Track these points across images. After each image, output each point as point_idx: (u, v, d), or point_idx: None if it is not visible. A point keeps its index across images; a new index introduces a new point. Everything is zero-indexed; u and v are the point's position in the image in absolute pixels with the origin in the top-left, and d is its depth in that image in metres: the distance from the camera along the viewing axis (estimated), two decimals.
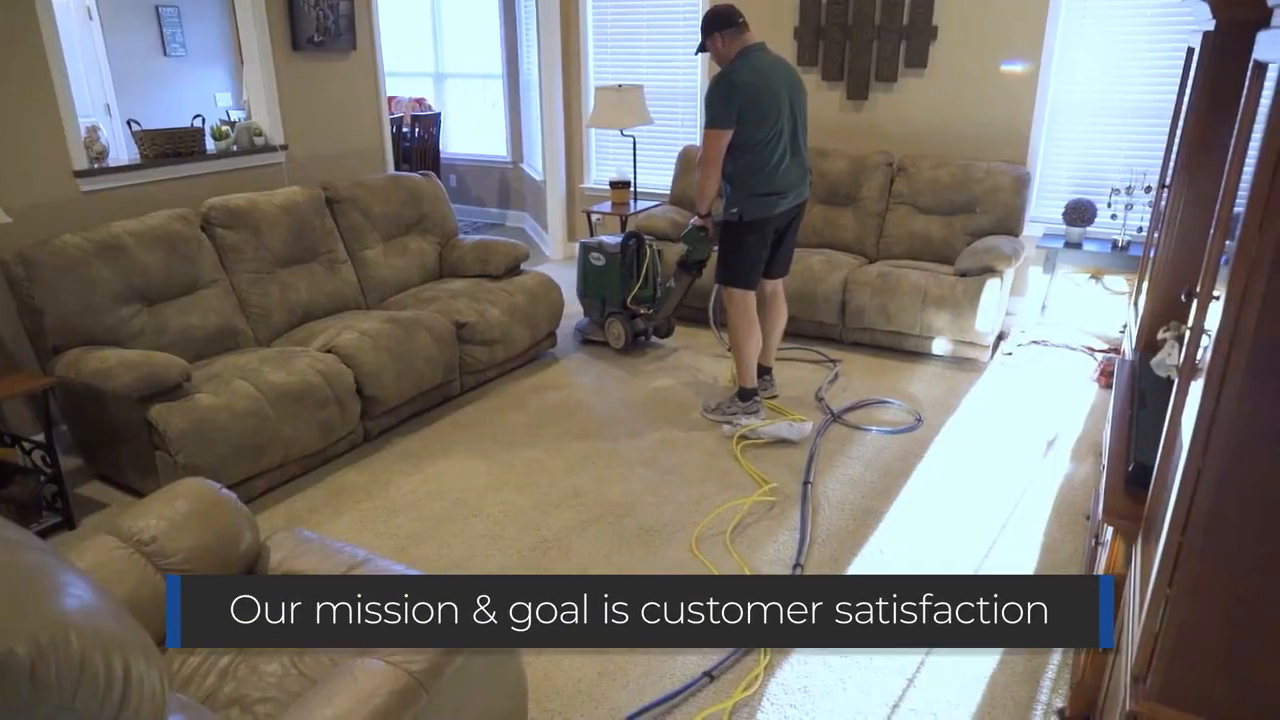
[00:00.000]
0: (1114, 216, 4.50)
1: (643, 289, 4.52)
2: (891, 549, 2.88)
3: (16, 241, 3.23)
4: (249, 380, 3.11)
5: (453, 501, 3.18)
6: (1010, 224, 4.62)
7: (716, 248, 3.77)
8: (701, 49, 3.56)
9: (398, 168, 5.88)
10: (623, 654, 2.38)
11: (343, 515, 3.10)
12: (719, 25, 3.45)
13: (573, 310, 5.19)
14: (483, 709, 1.74)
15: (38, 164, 3.34)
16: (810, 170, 3.73)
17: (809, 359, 4.51)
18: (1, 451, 3.03)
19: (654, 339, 4.74)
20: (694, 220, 3.81)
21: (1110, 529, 1.91)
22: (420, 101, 7.72)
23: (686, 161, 5.44)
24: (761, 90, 3.38)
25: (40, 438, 3.00)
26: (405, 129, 7.18)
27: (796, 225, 3.77)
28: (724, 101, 3.39)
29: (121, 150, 5.49)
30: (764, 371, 4.00)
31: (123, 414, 2.95)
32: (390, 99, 7.14)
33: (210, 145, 4.10)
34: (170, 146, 3.85)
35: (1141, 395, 2.25)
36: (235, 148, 4.14)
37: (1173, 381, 2.24)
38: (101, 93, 6.09)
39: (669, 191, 5.60)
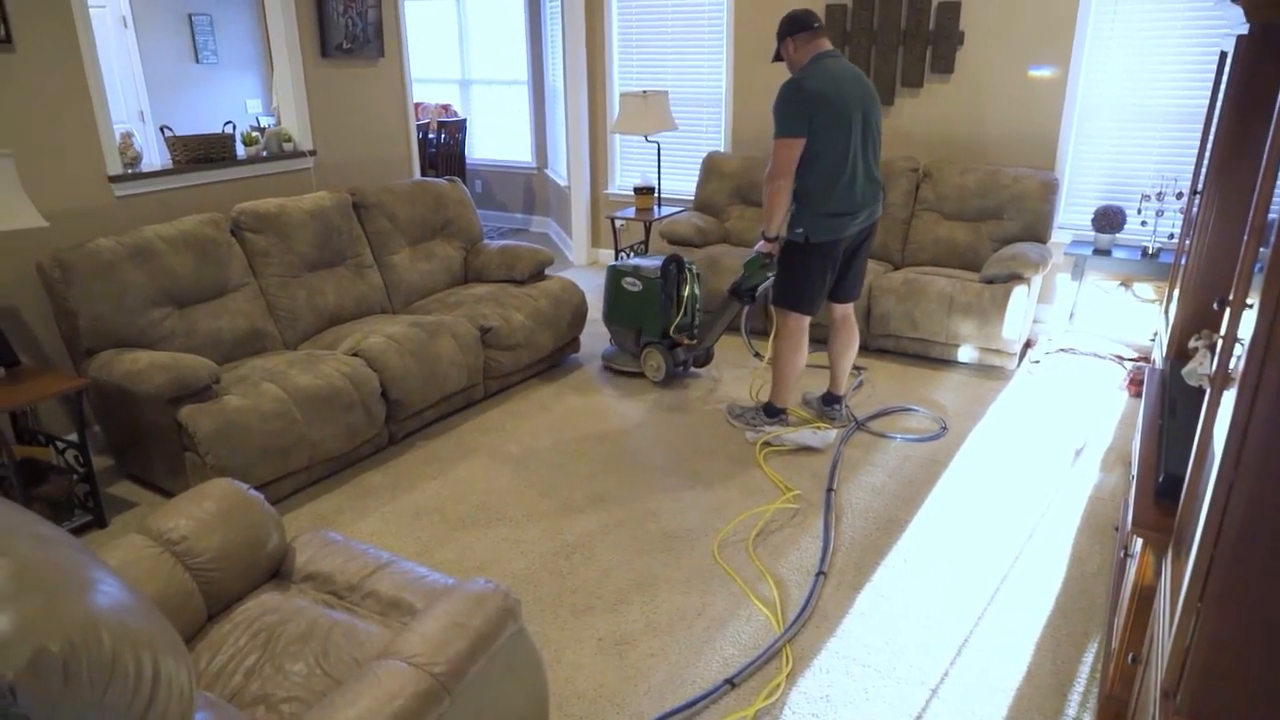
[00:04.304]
0: (1144, 223, 4.44)
1: (682, 317, 4.19)
2: (916, 558, 2.85)
3: (53, 245, 3.30)
4: (276, 383, 3.15)
5: (476, 505, 3.19)
6: (1038, 230, 4.57)
7: (772, 273, 3.57)
8: (777, 57, 3.37)
9: (424, 173, 5.93)
10: (645, 659, 2.38)
11: (367, 517, 3.12)
12: (792, 30, 3.25)
13: (596, 315, 5.20)
14: (504, 712, 1.74)
15: (74, 170, 3.40)
16: (883, 187, 3.47)
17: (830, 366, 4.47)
18: (36, 451, 3.09)
19: (692, 369, 4.42)
20: (760, 245, 3.48)
21: (1140, 541, 1.88)
22: (446, 108, 7.78)
23: (711, 168, 5.44)
24: (834, 98, 3.16)
25: (73, 437, 3.05)
26: (431, 135, 7.24)
27: (869, 245, 3.53)
28: (795, 108, 3.16)
29: (154, 156, 5.59)
30: (835, 399, 3.82)
31: (153, 415, 3.00)
32: (417, 105, 7.21)
33: (240, 151, 4.16)
34: (202, 152, 3.91)
35: (1172, 405, 2.22)
36: (265, 153, 4.20)
37: (1204, 391, 2.20)
38: (136, 99, 6.20)
39: (693, 197, 5.60)
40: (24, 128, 3.22)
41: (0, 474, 2.88)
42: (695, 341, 4.19)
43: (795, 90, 3.18)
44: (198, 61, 6.52)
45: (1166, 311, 3.08)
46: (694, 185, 5.64)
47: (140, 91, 6.22)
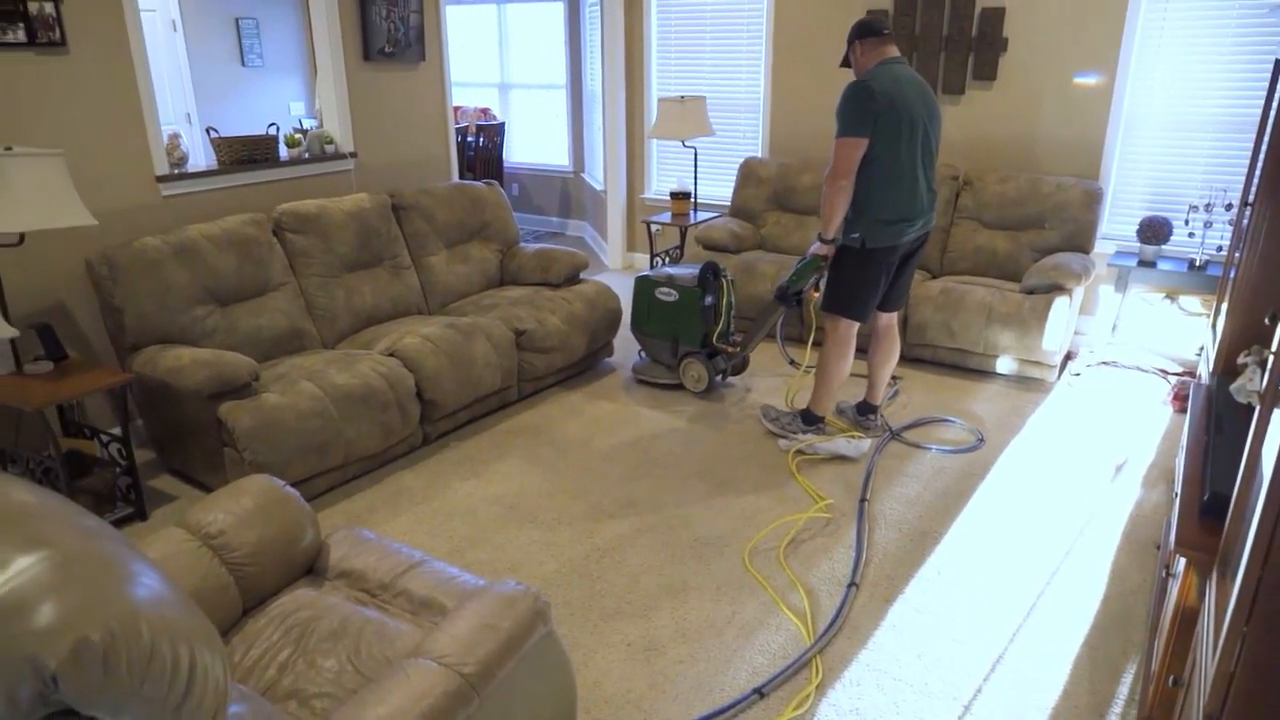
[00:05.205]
0: (1191, 235, 4.35)
1: (721, 325, 4.11)
2: (949, 571, 2.81)
3: (102, 243, 3.38)
4: (314, 381, 3.19)
5: (508, 507, 3.21)
6: (1080, 240, 4.49)
7: (817, 277, 3.53)
8: (845, 62, 3.35)
9: (462, 176, 5.99)
10: (674, 665, 2.38)
11: (400, 516, 3.15)
12: (861, 34, 3.25)
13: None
14: (532, 714, 1.75)
15: (123, 169, 3.48)
16: (937, 196, 3.40)
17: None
18: (82, 443, 3.16)
19: (729, 379, 4.34)
20: (815, 248, 3.42)
21: (1183, 560, 1.83)
22: (485, 111, 7.85)
23: (747, 173, 5.42)
24: (899, 101, 3.14)
25: (117, 431, 3.12)
26: (470, 138, 7.30)
27: (920, 255, 3.50)
28: (860, 108, 3.13)
29: (200, 157, 5.70)
30: (871, 409, 3.79)
31: (194, 410, 3.05)
32: (456, 109, 7.29)
33: (283, 153, 4.23)
34: (246, 153, 3.98)
35: (1218, 421, 2.17)
36: (307, 155, 4.27)
37: (1253, 408, 2.15)
38: (183, 101, 6.33)
39: (729, 203, 5.58)
40: (76, 128, 3.31)
41: (47, 465, 2.95)
42: (738, 349, 4.11)
43: (862, 90, 3.15)
44: (243, 64, 6.64)
45: (1214, 325, 3.01)
46: (730, 191, 5.62)
47: (187, 93, 6.35)
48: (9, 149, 2.72)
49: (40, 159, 2.75)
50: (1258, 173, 2.74)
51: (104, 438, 3.16)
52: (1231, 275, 2.87)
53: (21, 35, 3.09)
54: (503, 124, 7.65)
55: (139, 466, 3.17)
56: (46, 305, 3.30)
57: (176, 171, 3.72)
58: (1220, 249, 4.33)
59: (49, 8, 3.14)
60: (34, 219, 2.73)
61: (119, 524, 3.08)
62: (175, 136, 3.82)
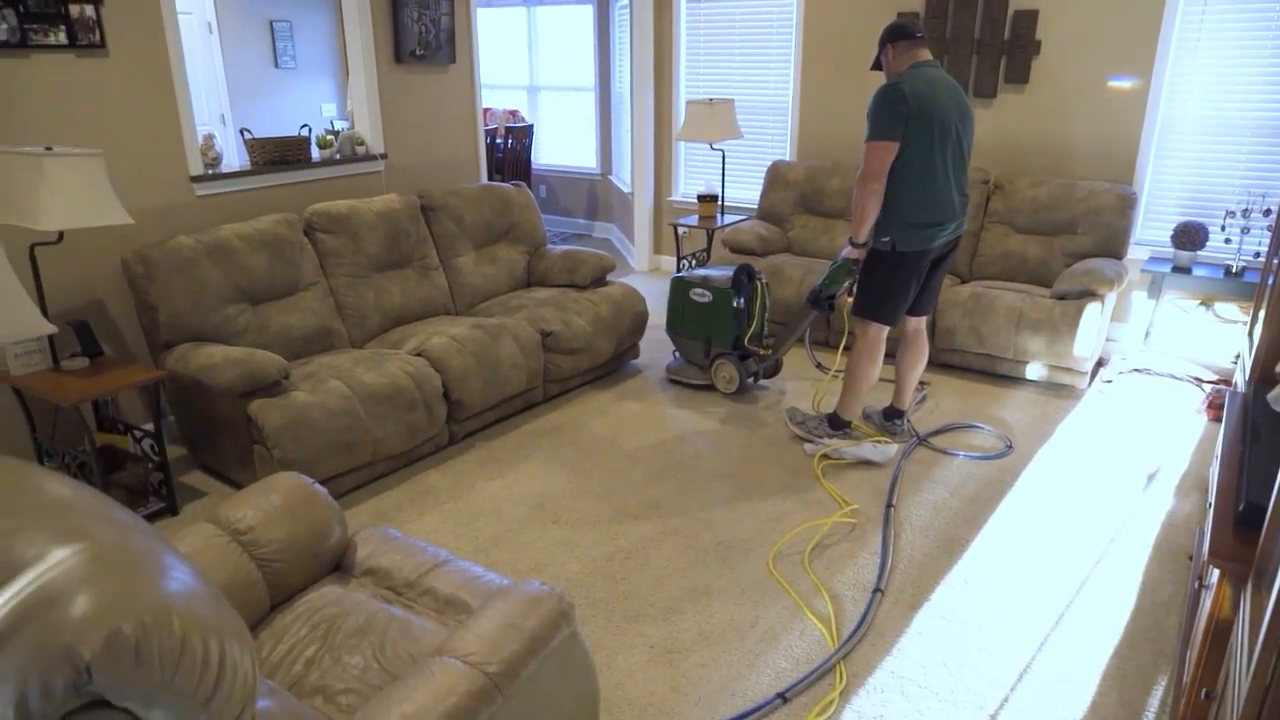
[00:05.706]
0: (1228, 240, 4.27)
1: (755, 327, 4.13)
2: (977, 578, 2.78)
3: (138, 241, 3.44)
4: (342, 380, 3.22)
5: (532, 507, 3.22)
6: (1113, 246, 4.43)
7: (853, 282, 3.51)
8: (876, 64, 3.33)
9: (490, 177, 6.02)
10: (696, 669, 2.37)
11: (426, 515, 3.17)
12: (893, 36, 3.22)
13: (657, 321, 5.20)
14: (555, 714, 1.75)
15: (159, 169, 3.54)
16: (969, 200, 3.39)
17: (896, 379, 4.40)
18: (116, 439, 3.22)
19: (760, 381, 4.35)
20: (846, 251, 3.41)
21: (1216, 571, 1.80)
22: (514, 113, 7.89)
23: (775, 176, 5.40)
24: (931, 104, 3.11)
25: (150, 427, 3.16)
26: (499, 140, 7.34)
27: (950, 259, 3.49)
28: (891, 110, 3.10)
29: (233, 157, 5.78)
30: (898, 414, 3.76)
31: (225, 408, 3.10)
32: (485, 110, 7.33)
33: (315, 154, 4.28)
34: (278, 154, 4.03)
35: (1255, 430, 2.12)
36: (338, 156, 4.31)
37: None
38: (217, 102, 6.42)
39: (756, 206, 5.57)
40: (114, 129, 3.37)
41: (82, 460, 3.00)
42: (770, 351, 4.12)
43: (893, 93, 3.12)
44: (277, 66, 6.73)
45: (1251, 333, 2.95)
46: (758, 194, 5.61)
47: (222, 95, 6.44)
48: (49, 149, 2.78)
49: (79, 159, 2.81)
50: None
51: (137, 433, 3.21)
52: (1270, 282, 2.81)
53: (63, 37, 3.15)
54: (531, 126, 7.68)
55: (171, 462, 3.22)
56: (83, 302, 3.36)
57: (211, 172, 3.77)
58: (1258, 255, 4.25)
59: (89, 10, 3.20)
60: (72, 217, 2.79)
61: (151, 519, 3.13)
62: (210, 137, 3.87)
